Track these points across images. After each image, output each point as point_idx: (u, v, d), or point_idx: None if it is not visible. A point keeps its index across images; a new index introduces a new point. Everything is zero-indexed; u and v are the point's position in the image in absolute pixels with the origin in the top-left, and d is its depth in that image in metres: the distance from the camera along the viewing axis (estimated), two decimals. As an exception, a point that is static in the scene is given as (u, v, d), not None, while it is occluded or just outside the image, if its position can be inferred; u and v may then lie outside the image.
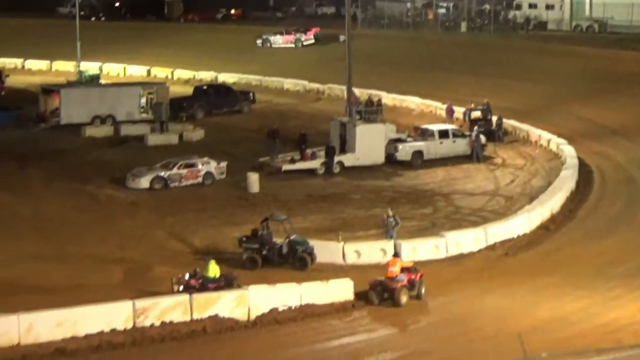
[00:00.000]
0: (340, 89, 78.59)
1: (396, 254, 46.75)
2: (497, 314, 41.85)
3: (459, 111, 77.27)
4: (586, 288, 45.13)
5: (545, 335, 36.58)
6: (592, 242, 52.25)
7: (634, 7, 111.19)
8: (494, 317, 41.37)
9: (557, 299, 43.68)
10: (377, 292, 43.27)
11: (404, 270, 43.69)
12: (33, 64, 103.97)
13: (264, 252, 47.63)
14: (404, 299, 42.79)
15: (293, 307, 42.74)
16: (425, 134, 68.41)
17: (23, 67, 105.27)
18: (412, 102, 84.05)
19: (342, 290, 43.93)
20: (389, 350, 38.30)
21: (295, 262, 47.34)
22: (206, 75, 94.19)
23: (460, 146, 68.16)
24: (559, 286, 45.56)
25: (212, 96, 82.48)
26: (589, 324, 39.59)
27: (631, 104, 77.52)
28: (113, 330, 39.71)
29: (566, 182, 60.70)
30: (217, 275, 43.58)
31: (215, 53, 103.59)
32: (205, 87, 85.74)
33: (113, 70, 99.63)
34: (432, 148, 67.35)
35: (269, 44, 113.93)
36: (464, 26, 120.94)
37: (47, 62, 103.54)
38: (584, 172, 63.89)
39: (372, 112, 73.74)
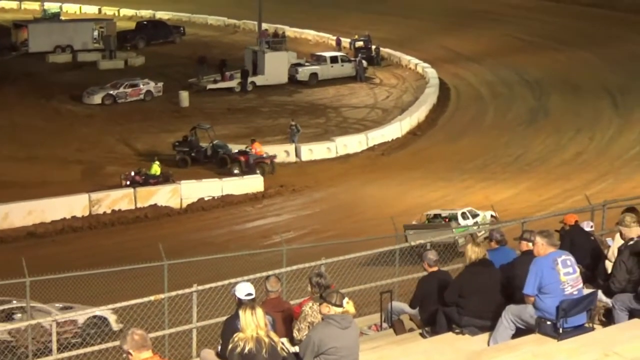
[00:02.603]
0: (253, 24, 77.67)
1: (254, 140, 47.54)
2: (375, 201, 42.18)
3: (346, 41, 77.04)
4: (445, 179, 45.66)
5: (413, 217, 36.77)
6: (449, 144, 52.71)
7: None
8: (373, 203, 41.70)
9: (422, 189, 44.15)
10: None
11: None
12: (5, 3, 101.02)
13: (193, 154, 47.46)
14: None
15: (216, 197, 42.84)
16: (319, 60, 68.03)
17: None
18: (309, 34, 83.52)
19: (254, 183, 44.07)
20: (291, 230, 38.45)
21: (217, 162, 47.19)
22: (146, 13, 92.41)
23: (347, 69, 67.87)
24: (423, 178, 46.03)
25: (151, 30, 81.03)
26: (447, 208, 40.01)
27: (482, 35, 77.59)
28: (73, 217, 39.57)
29: (429, 97, 61.04)
30: (158, 172, 43.39)
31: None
32: (145, 22, 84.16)
33: (71, 9, 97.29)
34: (325, 71, 67.02)
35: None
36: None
37: (17, 2, 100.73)
38: (444, 90, 64.07)
39: (277, 42, 73.38)
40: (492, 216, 35.89)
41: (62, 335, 20.87)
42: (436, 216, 36.27)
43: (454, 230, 32.92)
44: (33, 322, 18.96)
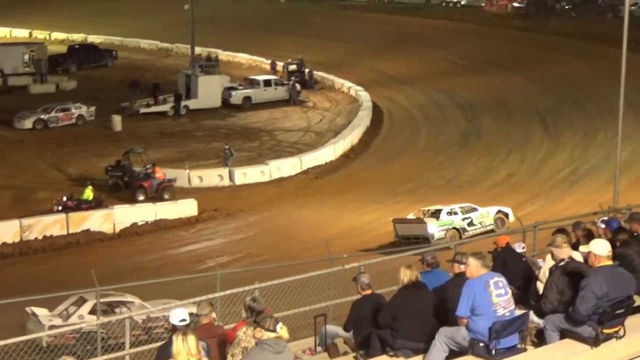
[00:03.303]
0: (185, 48, 77.45)
1: (155, 164, 47.20)
2: (309, 224, 42.20)
3: (280, 65, 77.12)
4: (378, 202, 45.80)
5: (347, 240, 36.99)
6: (382, 167, 52.95)
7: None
8: (307, 227, 41.72)
9: (356, 212, 44.24)
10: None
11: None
12: None
13: (126, 179, 47.04)
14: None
15: (149, 222, 42.57)
16: (253, 83, 68.00)
17: None
18: (243, 57, 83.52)
19: (188, 208, 43.89)
20: (226, 254, 38.26)
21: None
22: (78, 37, 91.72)
23: (281, 93, 67.92)
24: (357, 201, 46.14)
25: (83, 53, 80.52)
26: (380, 231, 40.19)
27: (414, 58, 78.24)
28: (4, 244, 39.16)
29: (363, 120, 61.34)
30: (90, 197, 43.02)
31: (84, 18, 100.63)
32: (77, 46, 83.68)
33: (1, 32, 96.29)
34: (258, 94, 66.98)
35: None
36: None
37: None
38: (377, 112, 64.37)
39: (210, 66, 73.31)
40: (499, 211, 39.91)
41: (153, 330, 22.40)
42: (437, 211, 38.97)
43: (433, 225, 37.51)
44: (122, 316, 19.93)
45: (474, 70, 73.09)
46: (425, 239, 34.94)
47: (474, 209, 39.40)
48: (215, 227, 43.37)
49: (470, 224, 38.95)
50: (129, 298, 24.66)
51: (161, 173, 46.55)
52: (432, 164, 52.91)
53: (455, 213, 38.87)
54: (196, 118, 63.00)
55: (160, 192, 45.71)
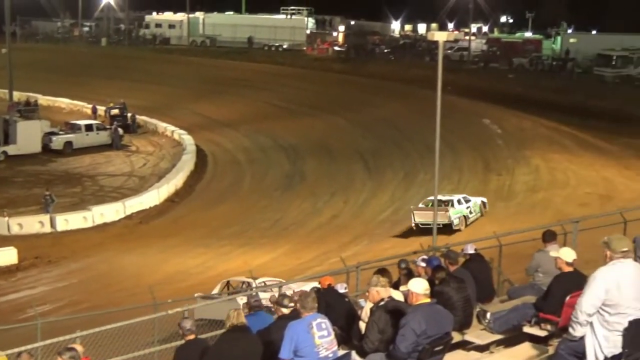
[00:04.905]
0: (3, 92, 75.63)
1: None
2: (134, 270, 41.59)
3: (101, 109, 76.24)
4: (204, 246, 45.58)
5: (172, 285, 36.60)
6: (207, 210, 52.77)
7: (236, 27, 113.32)
8: (132, 273, 41.10)
9: (181, 256, 43.88)
10: None
11: None
12: None
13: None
14: None
15: (-35, 273, 41.16)
16: (74, 128, 66.88)
17: None
18: (63, 102, 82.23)
19: (7, 256, 42.59)
20: (47, 303, 37.24)
21: None
22: None
23: (103, 137, 67.08)
24: (183, 245, 45.79)
25: None
26: (206, 275, 39.91)
27: (237, 102, 78.68)
28: None
29: (187, 164, 61.12)
30: None
31: None
32: None
33: None
34: (80, 139, 65.88)
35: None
36: (104, 41, 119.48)
37: None
38: (201, 156, 64.32)
39: (30, 110, 71.95)
40: (482, 202, 46.89)
41: None
42: (448, 201, 44.15)
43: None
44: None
45: (296, 113, 73.99)
46: (448, 226, 42.45)
47: (469, 199, 45.67)
48: (36, 275, 42.17)
49: (470, 211, 45.15)
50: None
51: None
52: (257, 206, 53.09)
53: (461, 202, 44.86)
54: (15, 164, 61.35)
55: None
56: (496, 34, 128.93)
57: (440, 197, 41.88)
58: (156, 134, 72.46)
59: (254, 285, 33.41)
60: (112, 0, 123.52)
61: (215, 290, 33.57)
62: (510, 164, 57.81)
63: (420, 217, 43.35)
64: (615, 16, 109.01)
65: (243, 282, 33.96)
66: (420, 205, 45.17)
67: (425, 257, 17.64)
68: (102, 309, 31.15)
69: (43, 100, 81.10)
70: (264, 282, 31.38)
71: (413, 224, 44.16)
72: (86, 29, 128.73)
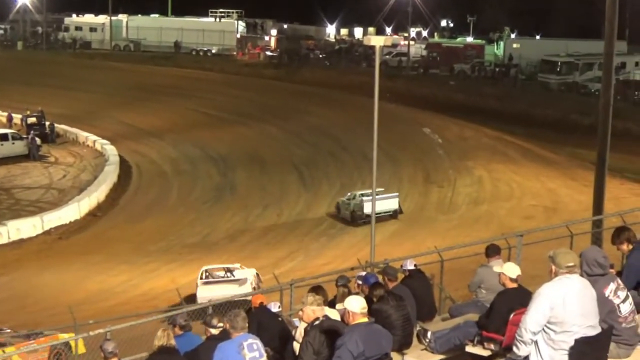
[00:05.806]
0: None
1: None
2: (53, 289, 41.09)
3: (17, 117, 75.39)
4: (128, 263, 45.23)
5: (94, 305, 36.25)
6: (132, 225, 52.41)
7: (162, 30, 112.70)
8: (51, 292, 40.60)
9: (104, 273, 43.49)
10: None
11: None
12: None
13: None
14: None
15: None
16: (-15, 138, 66.29)
17: None
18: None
19: None
20: (-42, 327, 36.64)
21: None
22: None
23: (19, 147, 66.34)
24: (105, 262, 45.38)
25: None
26: (131, 294, 39.68)
27: (161, 109, 78.38)
28: None
29: (109, 175, 60.61)
30: None
31: None
32: None
33: None
34: (-7, 149, 65.32)
35: None
36: (20, 45, 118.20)
37: None
38: (125, 167, 63.89)
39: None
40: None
41: None
42: (363, 195, 49.38)
43: None
44: None
45: (226, 122, 73.84)
46: (397, 212, 49.78)
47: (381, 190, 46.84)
48: None
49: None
50: None
51: None
52: (185, 220, 52.82)
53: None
54: None
55: None
56: (436, 38, 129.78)
57: (361, 192, 50.28)
58: (77, 144, 71.79)
59: (235, 272, 37.34)
60: (28, 2, 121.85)
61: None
62: (452, 175, 58.23)
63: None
64: (559, 21, 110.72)
65: (224, 268, 38.27)
66: (344, 199, 51.25)
67: (362, 273, 17.65)
68: (18, 330, 30.76)
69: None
70: None
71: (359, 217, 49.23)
72: (0, 31, 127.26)
